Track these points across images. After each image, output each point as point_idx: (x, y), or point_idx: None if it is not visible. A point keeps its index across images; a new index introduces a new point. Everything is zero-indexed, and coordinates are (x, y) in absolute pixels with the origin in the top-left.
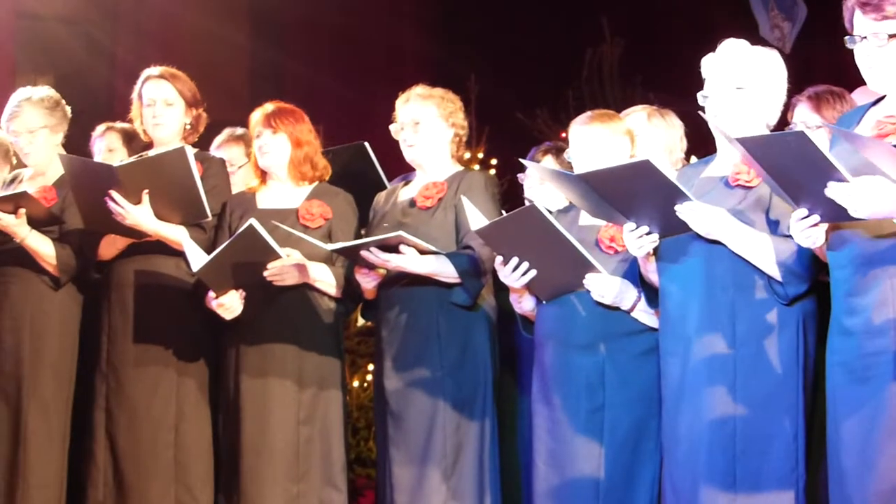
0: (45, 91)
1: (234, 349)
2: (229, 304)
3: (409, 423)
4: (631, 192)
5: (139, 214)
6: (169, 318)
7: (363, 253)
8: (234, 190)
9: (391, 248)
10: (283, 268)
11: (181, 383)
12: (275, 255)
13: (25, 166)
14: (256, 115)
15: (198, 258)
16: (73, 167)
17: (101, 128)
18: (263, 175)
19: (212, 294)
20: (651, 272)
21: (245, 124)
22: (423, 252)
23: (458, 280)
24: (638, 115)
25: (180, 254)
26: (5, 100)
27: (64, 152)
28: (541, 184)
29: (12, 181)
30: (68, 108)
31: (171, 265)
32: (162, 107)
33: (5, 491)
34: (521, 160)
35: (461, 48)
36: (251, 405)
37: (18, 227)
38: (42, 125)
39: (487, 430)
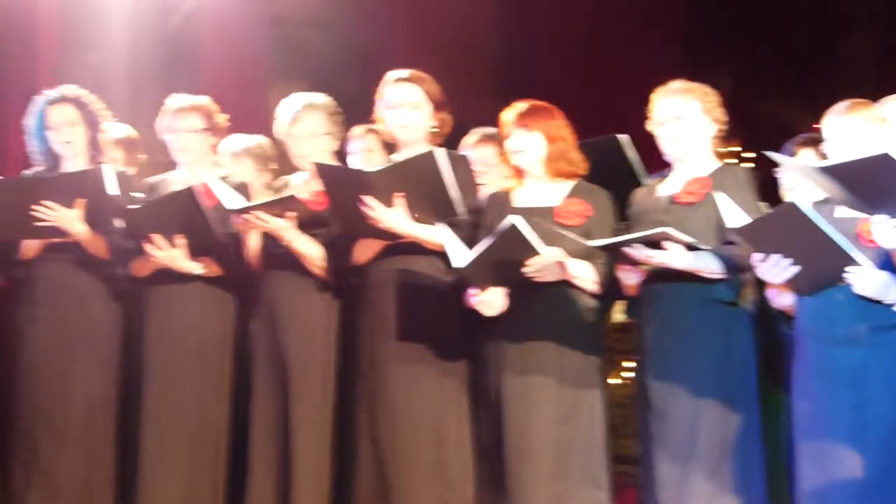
0: (326, 98)
1: (494, 347)
2: (491, 301)
3: (672, 420)
4: (874, 184)
5: (393, 217)
6: (427, 317)
7: (626, 249)
8: (489, 190)
9: (654, 243)
10: (543, 264)
11: (441, 382)
12: (535, 252)
13: (289, 173)
14: (509, 115)
15: (461, 255)
16: (326, 173)
17: (360, 129)
18: (519, 174)
19: (473, 291)
20: None
21: (493, 124)
22: (687, 248)
23: (721, 276)
24: (893, 104)
25: (435, 253)
26: (262, 105)
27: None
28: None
29: (283, 185)
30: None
31: (427, 265)
32: (409, 110)
33: (278, 494)
34: (769, 154)
35: (711, 41)
36: (512, 404)
37: (286, 230)
38: (324, 131)
39: (752, 427)
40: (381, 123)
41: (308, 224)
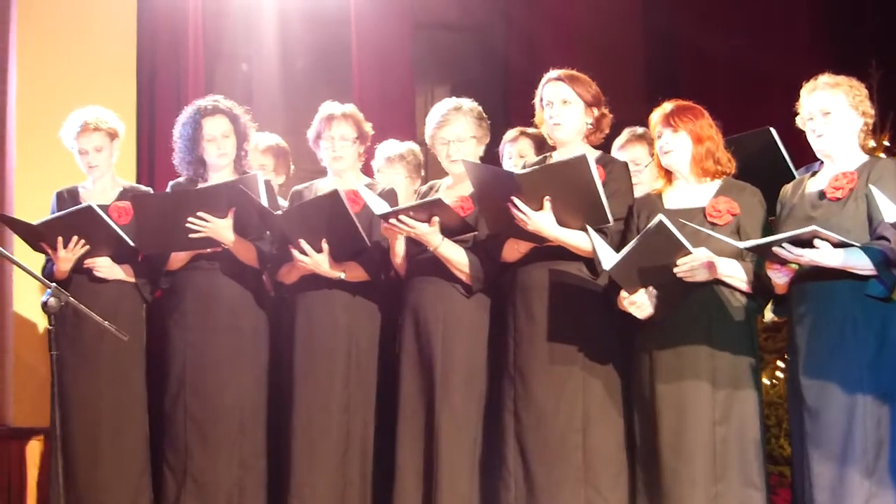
0: (472, 103)
1: (646, 350)
2: (641, 302)
3: (827, 419)
4: None
5: (541, 220)
6: (574, 320)
7: (776, 249)
8: (641, 189)
9: (804, 242)
10: (693, 264)
11: (588, 385)
12: (684, 252)
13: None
14: (655, 116)
15: (609, 257)
16: (475, 173)
17: (513, 132)
18: (668, 175)
19: (624, 293)
20: None
21: (643, 123)
22: (836, 245)
23: (873, 272)
24: None
25: (583, 259)
26: (407, 111)
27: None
28: None
29: (429, 189)
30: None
31: (575, 269)
32: (559, 107)
33: (425, 497)
34: None
35: (858, 32)
36: (667, 407)
37: (431, 235)
38: (471, 135)
39: None
40: (541, 124)
41: (454, 229)
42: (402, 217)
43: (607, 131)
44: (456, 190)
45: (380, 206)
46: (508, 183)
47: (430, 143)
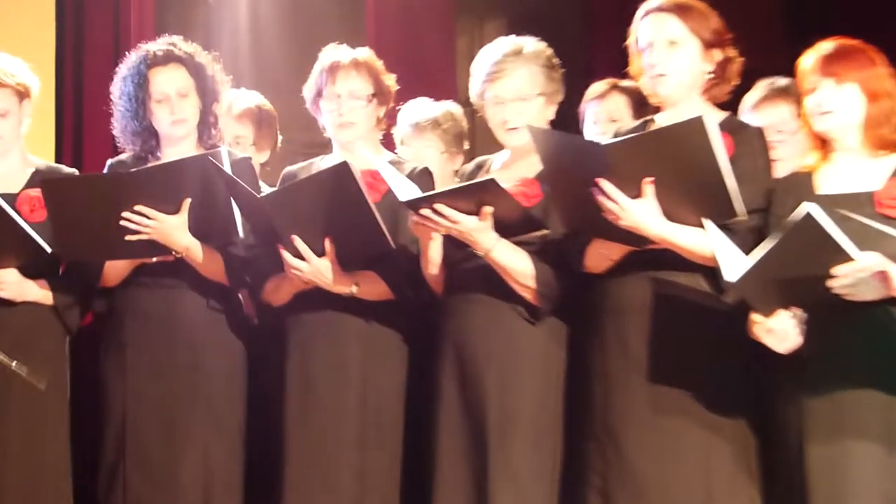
0: (539, 44)
1: (791, 396)
2: (782, 330)
3: None
4: None
5: (640, 212)
6: (690, 354)
7: None
8: (784, 167)
9: None
10: (857, 275)
11: (711, 448)
12: (844, 257)
13: (486, 152)
14: (809, 61)
15: (736, 265)
16: (547, 145)
17: (599, 86)
18: (824, 146)
19: (757, 317)
20: None
21: (788, 73)
22: None
23: None
24: None
25: (701, 268)
26: (444, 56)
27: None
28: None
29: (477, 169)
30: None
31: (690, 282)
32: (664, 50)
33: None
34: None
35: None
36: (821, 475)
37: (482, 232)
38: (537, 91)
39: None
40: (638, 75)
41: (513, 225)
42: (438, 206)
43: (736, 83)
44: (515, 169)
45: (407, 191)
46: (593, 158)
47: (476, 102)
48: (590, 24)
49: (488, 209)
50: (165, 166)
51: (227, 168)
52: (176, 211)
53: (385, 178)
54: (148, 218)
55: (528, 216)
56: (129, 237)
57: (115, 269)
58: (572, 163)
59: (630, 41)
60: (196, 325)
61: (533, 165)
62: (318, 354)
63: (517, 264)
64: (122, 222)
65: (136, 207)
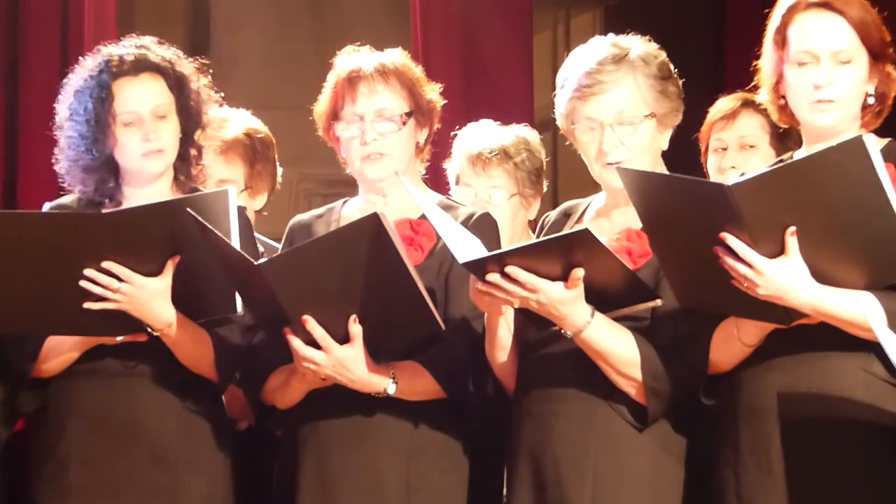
0: (647, 46)
1: None
2: None
3: None
4: None
5: (785, 276)
6: (856, 472)
7: None
8: None
9: None
10: None
11: None
12: None
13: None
14: None
15: None
16: (646, 189)
17: (725, 104)
18: None
19: None
20: None
21: None
22: None
23: None
24: None
25: (875, 346)
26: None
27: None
28: None
29: (563, 217)
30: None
31: (856, 368)
32: (831, 64)
33: None
34: None
35: None
36: None
37: (572, 304)
38: (646, 111)
39: None
40: (768, 90)
41: (615, 295)
42: (511, 270)
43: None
44: (616, 218)
45: (467, 248)
46: (714, 206)
47: (564, 127)
48: (721, 18)
49: (579, 272)
50: (148, 209)
51: (234, 215)
52: (157, 272)
53: (434, 227)
54: (119, 280)
55: (635, 282)
56: (88, 305)
57: (59, 351)
58: (684, 214)
59: (767, 43)
60: (167, 433)
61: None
62: (343, 476)
63: (618, 348)
64: (83, 283)
65: (104, 264)
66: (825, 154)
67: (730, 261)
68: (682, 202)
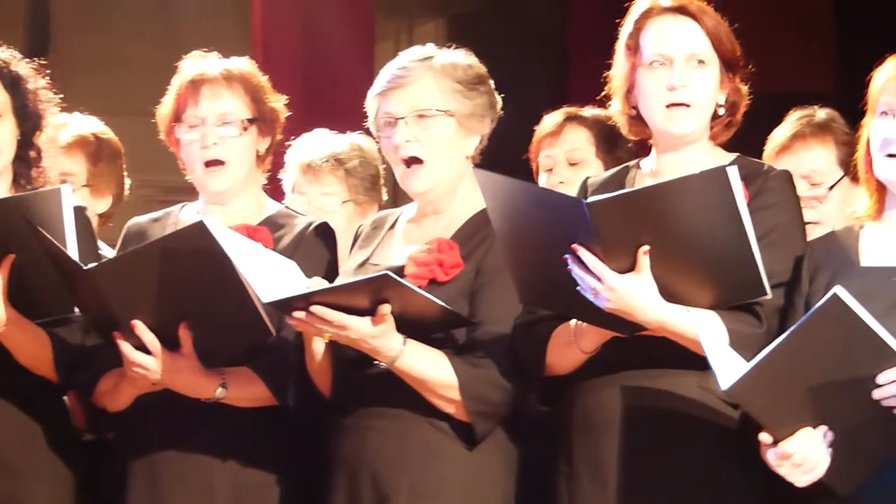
0: (464, 56)
1: None
2: (802, 458)
3: None
4: None
5: (634, 292)
6: (688, 488)
7: None
8: (819, 231)
9: None
10: None
11: None
12: (891, 358)
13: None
14: (882, 79)
15: (733, 364)
16: (503, 195)
17: (550, 120)
18: (881, 198)
19: (764, 437)
20: None
21: (832, 100)
22: None
23: None
24: None
25: (708, 365)
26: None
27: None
28: None
29: (373, 230)
30: None
31: (690, 387)
32: (686, 66)
33: None
34: None
35: None
36: None
37: (381, 338)
38: (444, 108)
39: None
40: (620, 99)
41: (427, 323)
42: (316, 310)
43: (740, 120)
44: (426, 227)
45: (273, 284)
46: (570, 218)
47: (373, 131)
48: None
49: (385, 308)
50: None
51: (69, 215)
52: None
53: (238, 268)
54: None
55: (447, 314)
56: None
57: None
58: (538, 222)
59: (619, 51)
60: (10, 441)
61: (453, 220)
62: (172, 480)
63: (434, 373)
64: None
65: None
66: (688, 180)
67: (578, 271)
68: (538, 211)
